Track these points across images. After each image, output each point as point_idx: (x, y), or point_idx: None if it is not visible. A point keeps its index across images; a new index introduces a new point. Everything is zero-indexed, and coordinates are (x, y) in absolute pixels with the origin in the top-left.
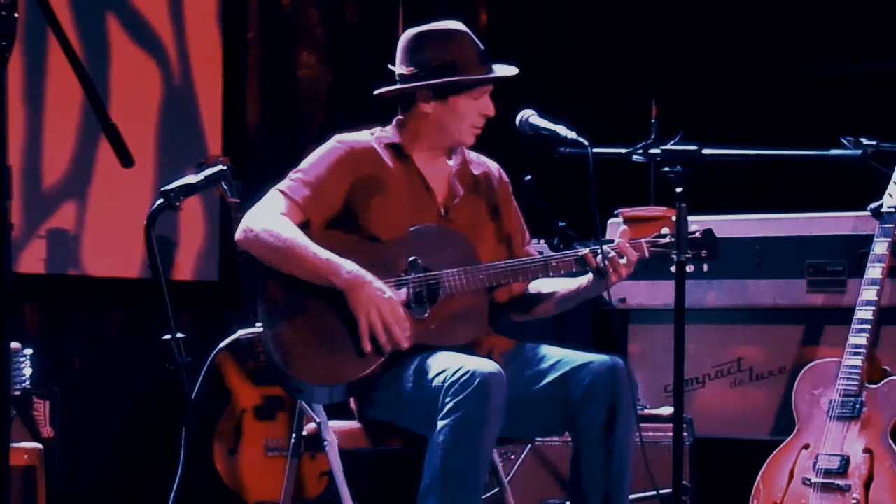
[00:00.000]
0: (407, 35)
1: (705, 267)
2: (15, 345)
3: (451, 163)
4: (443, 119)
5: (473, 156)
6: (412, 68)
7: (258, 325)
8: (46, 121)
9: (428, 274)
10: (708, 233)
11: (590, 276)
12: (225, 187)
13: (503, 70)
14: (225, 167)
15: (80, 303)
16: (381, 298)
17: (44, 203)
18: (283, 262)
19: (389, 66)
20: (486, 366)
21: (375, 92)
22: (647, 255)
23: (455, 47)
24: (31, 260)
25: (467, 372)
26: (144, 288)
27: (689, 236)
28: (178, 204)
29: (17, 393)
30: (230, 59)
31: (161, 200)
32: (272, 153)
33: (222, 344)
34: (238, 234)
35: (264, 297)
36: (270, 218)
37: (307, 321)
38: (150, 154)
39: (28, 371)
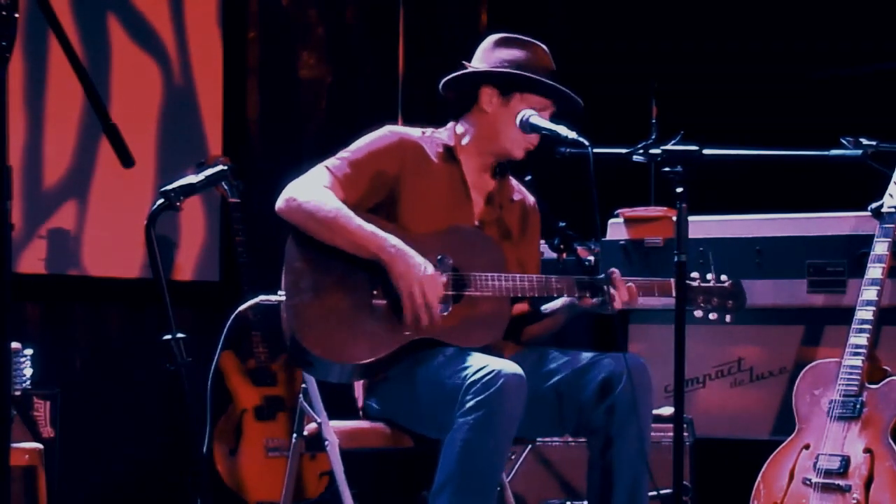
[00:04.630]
0: (490, 38)
1: (728, 318)
2: (15, 345)
3: (495, 181)
4: (499, 122)
5: (515, 182)
6: (486, 65)
7: (280, 293)
8: (46, 121)
9: (456, 273)
10: (737, 284)
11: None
12: (225, 187)
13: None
14: (225, 167)
15: (81, 303)
16: (424, 275)
17: (44, 203)
18: (326, 231)
19: (464, 63)
20: (509, 367)
21: (442, 82)
22: (674, 294)
23: (530, 55)
24: (31, 260)
25: (491, 371)
26: (144, 288)
27: (718, 285)
28: (178, 204)
29: (18, 393)
30: (230, 59)
31: (161, 200)
32: (272, 153)
33: (242, 308)
34: (280, 203)
35: (291, 268)
36: (315, 189)
37: (330, 297)
38: (150, 154)
39: (28, 371)
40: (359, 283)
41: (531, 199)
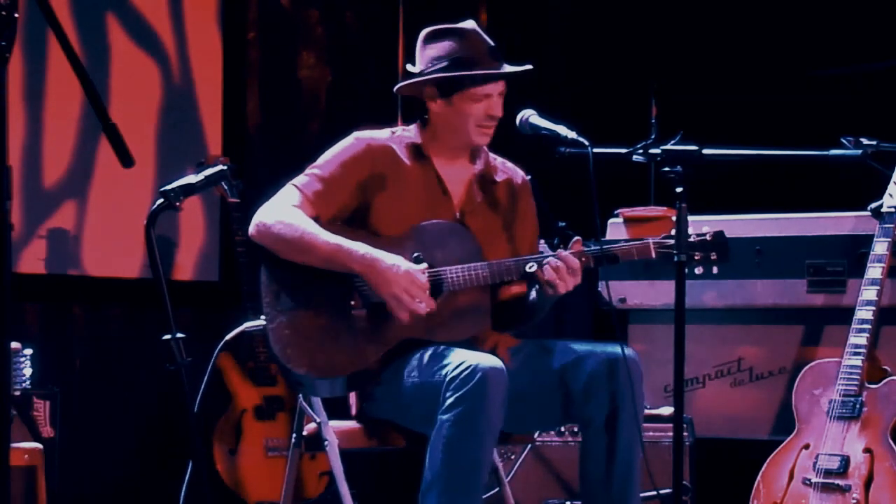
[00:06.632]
0: (420, 34)
1: (714, 269)
2: (15, 345)
3: (473, 166)
4: (450, 119)
5: (499, 161)
6: (420, 66)
7: (263, 318)
8: (46, 121)
9: (432, 270)
10: (718, 235)
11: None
12: (225, 187)
13: (502, 68)
14: (225, 167)
15: (81, 303)
16: (400, 272)
17: (44, 203)
18: (295, 251)
19: (407, 66)
20: (487, 361)
21: (395, 89)
22: (653, 255)
23: (457, 44)
24: (31, 260)
25: (469, 367)
26: (144, 288)
27: (699, 237)
28: (178, 204)
29: (18, 393)
30: (230, 59)
31: (161, 200)
32: (272, 153)
33: (228, 337)
34: (251, 229)
35: (267, 290)
36: (282, 210)
37: (309, 314)
38: (150, 154)
39: (28, 371)
40: (335, 295)
41: (519, 176)
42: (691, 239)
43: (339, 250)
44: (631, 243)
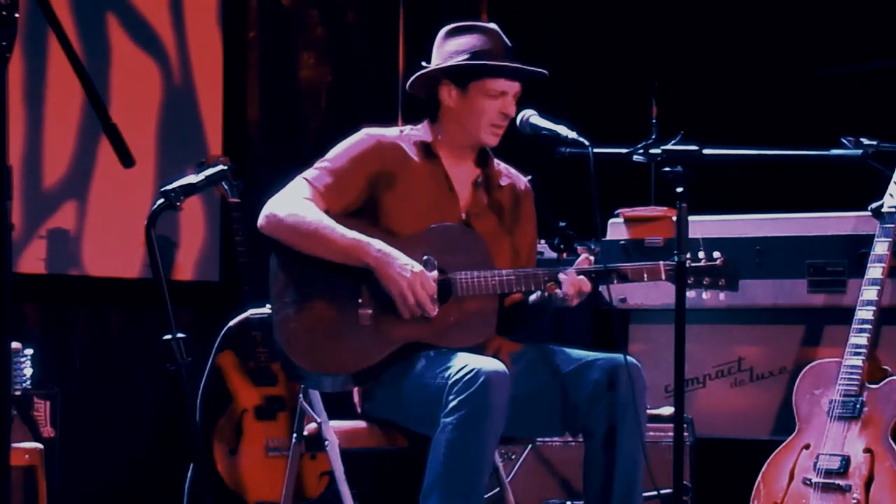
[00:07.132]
0: (441, 31)
1: (721, 296)
2: (15, 345)
3: (479, 169)
4: (463, 114)
5: (503, 167)
6: (437, 61)
7: (268, 306)
8: (46, 121)
9: (442, 274)
10: (729, 262)
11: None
12: (225, 187)
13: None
14: (225, 167)
15: (81, 303)
16: (413, 274)
17: (44, 203)
18: (309, 243)
19: (422, 63)
20: (490, 364)
21: (407, 85)
22: (663, 277)
23: (477, 40)
24: (31, 260)
25: (472, 370)
26: (145, 288)
27: (710, 263)
28: (178, 204)
29: (18, 393)
30: (230, 59)
31: (162, 200)
32: (272, 153)
33: (232, 322)
34: (261, 220)
35: (276, 280)
36: (294, 202)
37: (315, 309)
38: (150, 154)
39: (28, 371)
40: (343, 292)
41: (522, 182)
42: (701, 263)
43: (355, 243)
44: (642, 265)
